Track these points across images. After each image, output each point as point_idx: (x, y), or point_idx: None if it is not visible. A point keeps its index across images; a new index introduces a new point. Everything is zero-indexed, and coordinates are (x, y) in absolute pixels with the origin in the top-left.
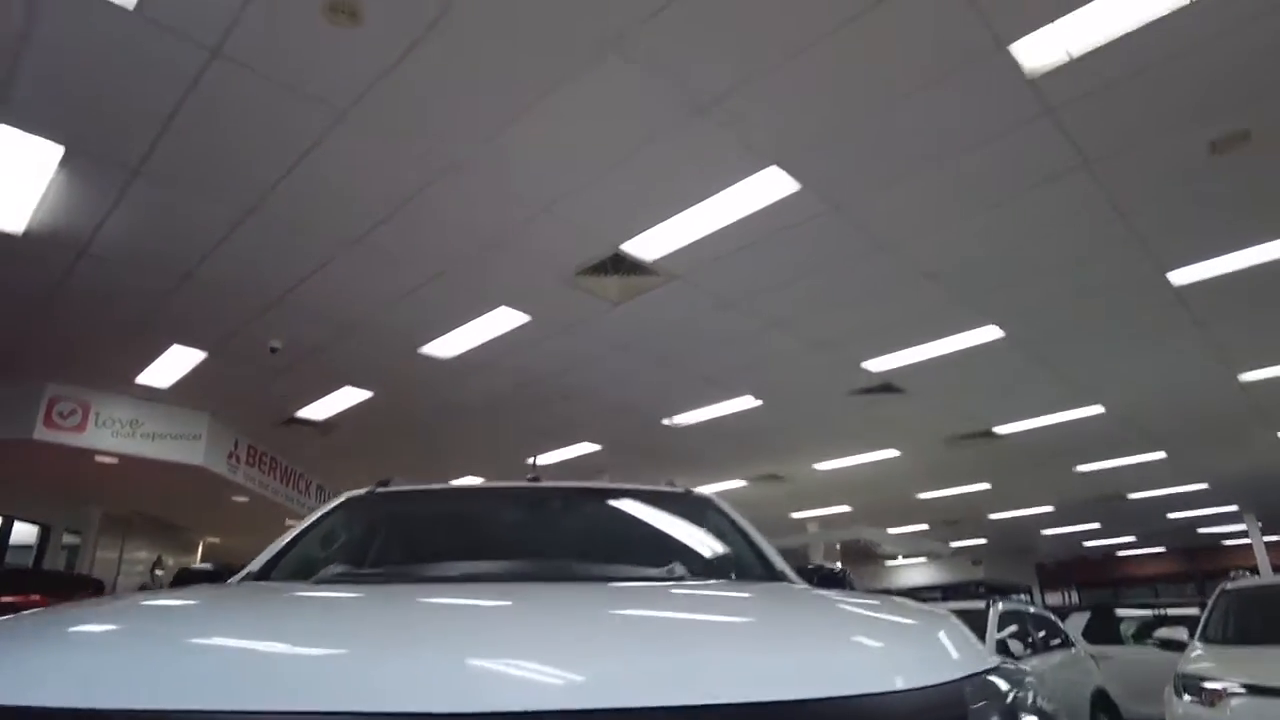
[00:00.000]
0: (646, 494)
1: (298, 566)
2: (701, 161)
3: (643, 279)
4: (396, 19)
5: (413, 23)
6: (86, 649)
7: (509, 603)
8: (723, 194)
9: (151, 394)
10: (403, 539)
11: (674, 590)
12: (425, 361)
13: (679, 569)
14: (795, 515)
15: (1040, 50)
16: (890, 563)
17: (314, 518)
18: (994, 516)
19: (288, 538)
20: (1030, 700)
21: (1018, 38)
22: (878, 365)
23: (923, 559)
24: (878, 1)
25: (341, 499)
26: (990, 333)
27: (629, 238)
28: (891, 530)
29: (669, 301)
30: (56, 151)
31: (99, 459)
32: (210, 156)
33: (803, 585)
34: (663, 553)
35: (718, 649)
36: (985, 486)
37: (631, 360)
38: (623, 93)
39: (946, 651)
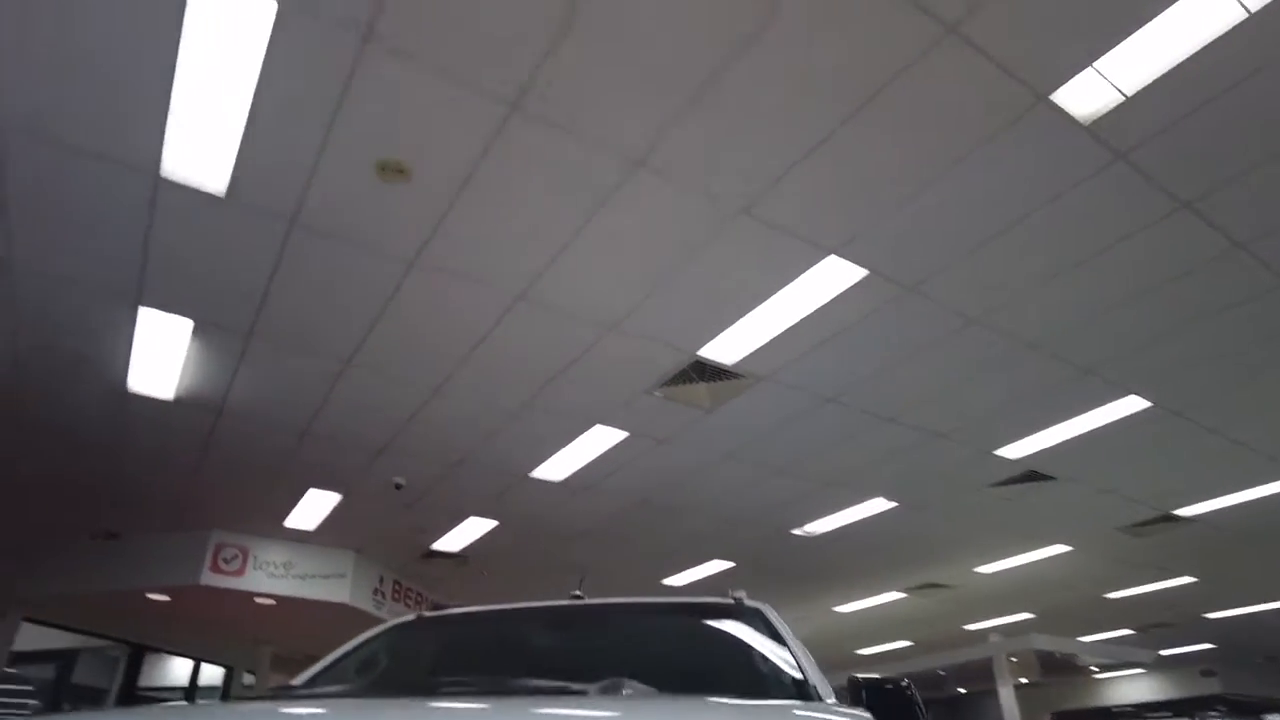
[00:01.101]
0: (687, 606)
1: (331, 681)
2: (756, 261)
3: (729, 383)
4: (440, 170)
5: (454, 172)
6: None
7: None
8: (787, 290)
9: (301, 536)
10: (431, 658)
11: (623, 708)
12: (538, 485)
13: (634, 687)
14: (970, 627)
15: (1087, 95)
16: (1099, 674)
17: (361, 640)
18: (1213, 615)
19: (332, 658)
20: None
21: (1056, 87)
22: (1013, 452)
23: (1138, 670)
24: (893, 78)
25: (389, 624)
26: (1133, 403)
27: (703, 344)
28: (1085, 638)
29: (765, 403)
30: (188, 325)
31: (258, 600)
32: (305, 317)
33: (819, 707)
34: (671, 666)
35: None
36: (1189, 580)
37: (742, 469)
38: (658, 207)
39: None
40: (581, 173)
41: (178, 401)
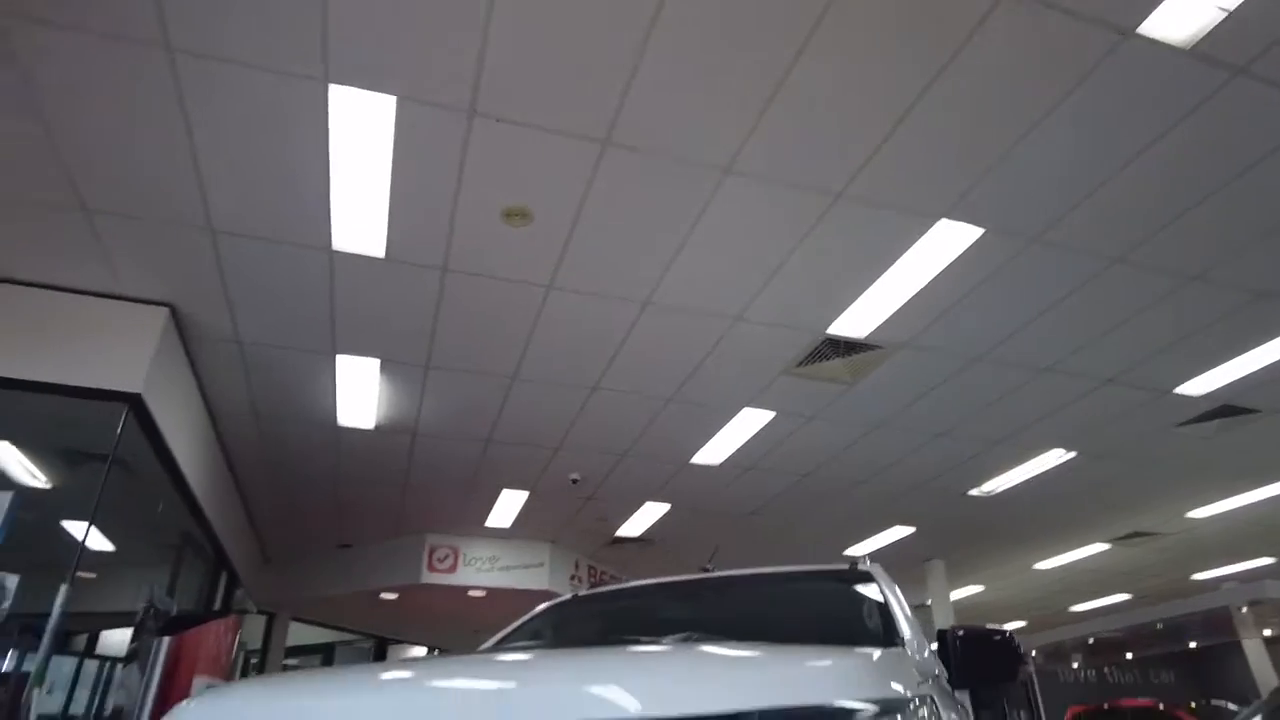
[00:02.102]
0: (799, 574)
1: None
2: (863, 238)
3: (866, 355)
4: (555, 207)
5: (568, 206)
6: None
7: (561, 660)
8: (905, 260)
9: (501, 533)
10: (576, 626)
11: (698, 649)
12: (701, 470)
13: (704, 639)
14: (1200, 576)
15: (1179, 21)
16: None
17: (527, 617)
18: None
19: (504, 632)
20: None
21: (1140, 21)
22: (1196, 388)
23: None
24: (965, 40)
25: (546, 605)
26: None
27: (829, 322)
28: None
29: (908, 370)
30: (375, 364)
31: (470, 594)
32: (469, 345)
33: (890, 650)
34: (769, 625)
35: (629, 681)
36: None
37: (900, 436)
38: (754, 206)
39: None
40: (675, 186)
41: (378, 429)
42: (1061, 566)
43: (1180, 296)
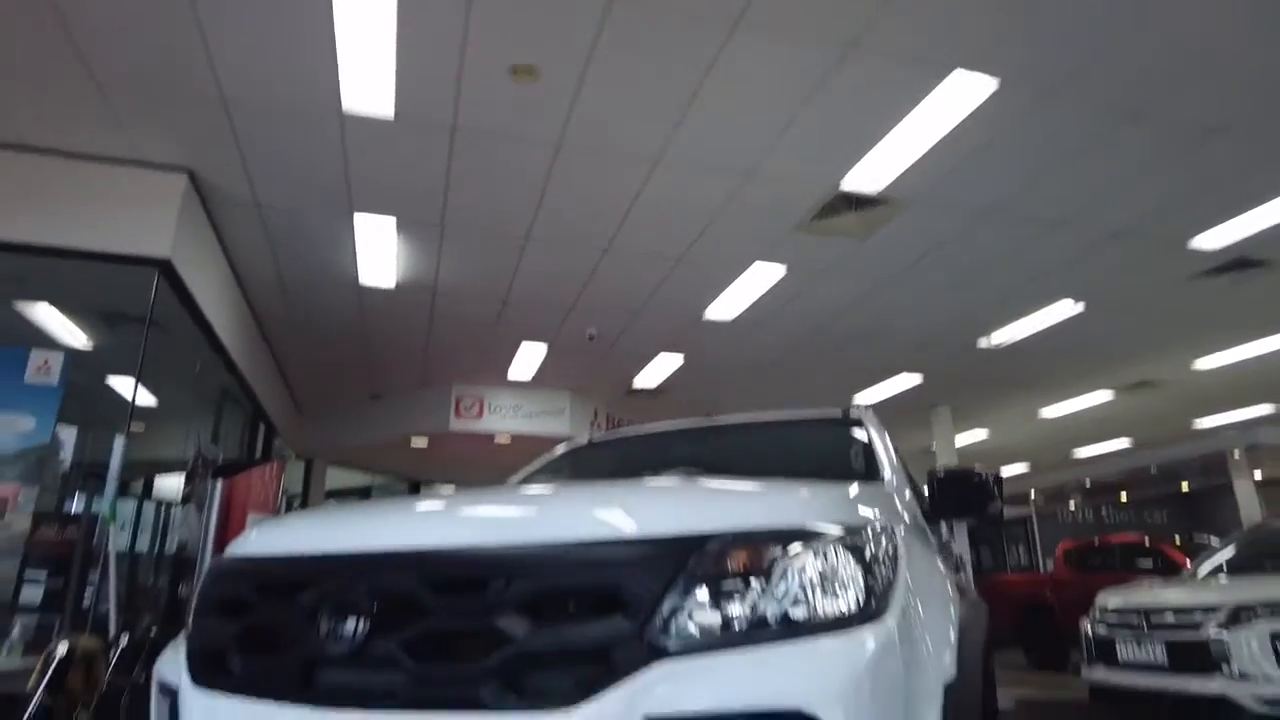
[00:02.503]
0: (793, 420)
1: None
2: (876, 90)
3: (878, 210)
4: (563, 64)
5: (575, 62)
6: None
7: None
8: (918, 111)
9: (523, 384)
10: (589, 465)
11: (686, 483)
12: (713, 326)
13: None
14: (1202, 423)
15: None
16: None
17: (545, 458)
18: None
19: (525, 472)
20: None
21: None
22: (1211, 241)
23: None
24: None
25: (562, 447)
26: None
27: (842, 176)
28: None
29: (920, 224)
30: (392, 222)
31: (496, 440)
32: (480, 205)
33: (867, 485)
34: (762, 464)
35: (623, 507)
36: None
37: (910, 290)
38: (765, 60)
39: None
40: (684, 42)
41: (399, 288)
42: (1067, 415)
43: (1198, 150)
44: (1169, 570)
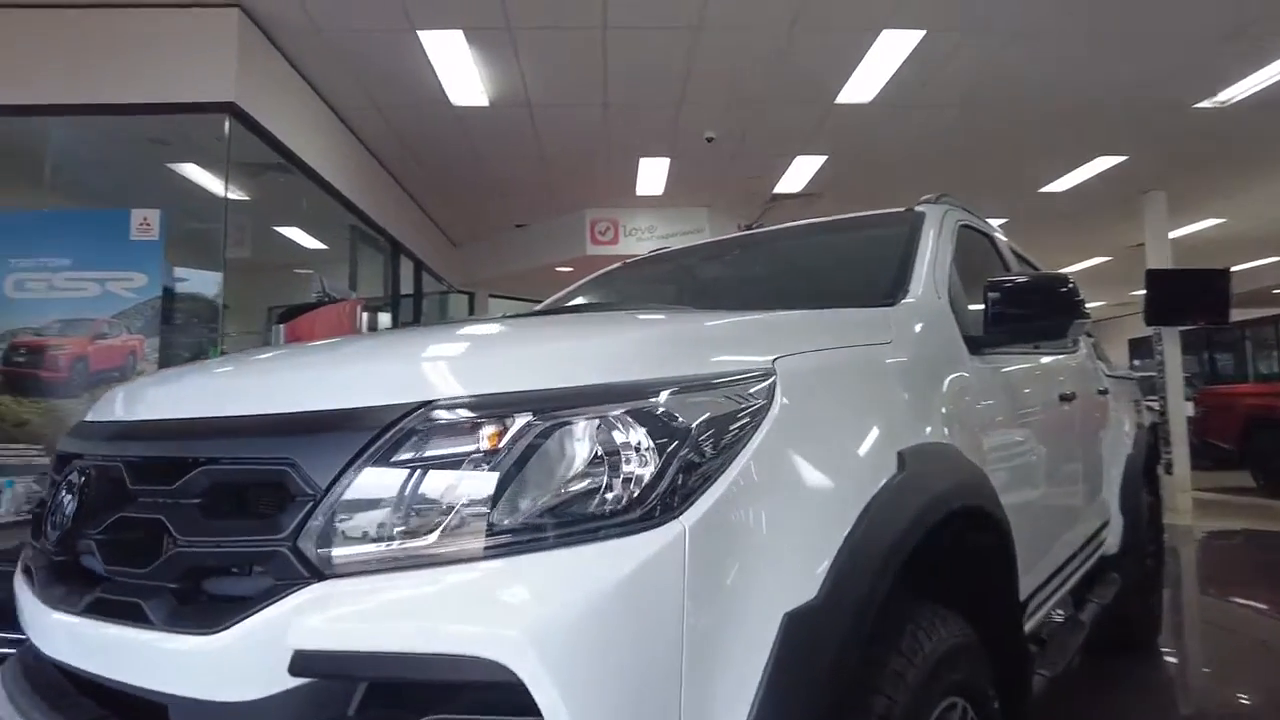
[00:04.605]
0: (832, 225)
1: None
2: None
3: None
4: None
5: None
6: None
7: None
8: None
9: (656, 201)
10: (643, 283)
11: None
12: (850, 111)
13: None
14: None
15: None
16: None
17: (602, 271)
18: None
19: (576, 285)
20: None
21: None
22: None
23: None
24: None
25: (618, 265)
26: None
27: None
28: None
29: None
30: (459, 35)
31: None
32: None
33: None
34: (787, 286)
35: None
36: None
37: (1096, 41)
38: None
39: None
40: None
41: (493, 105)
42: None
43: None
44: None
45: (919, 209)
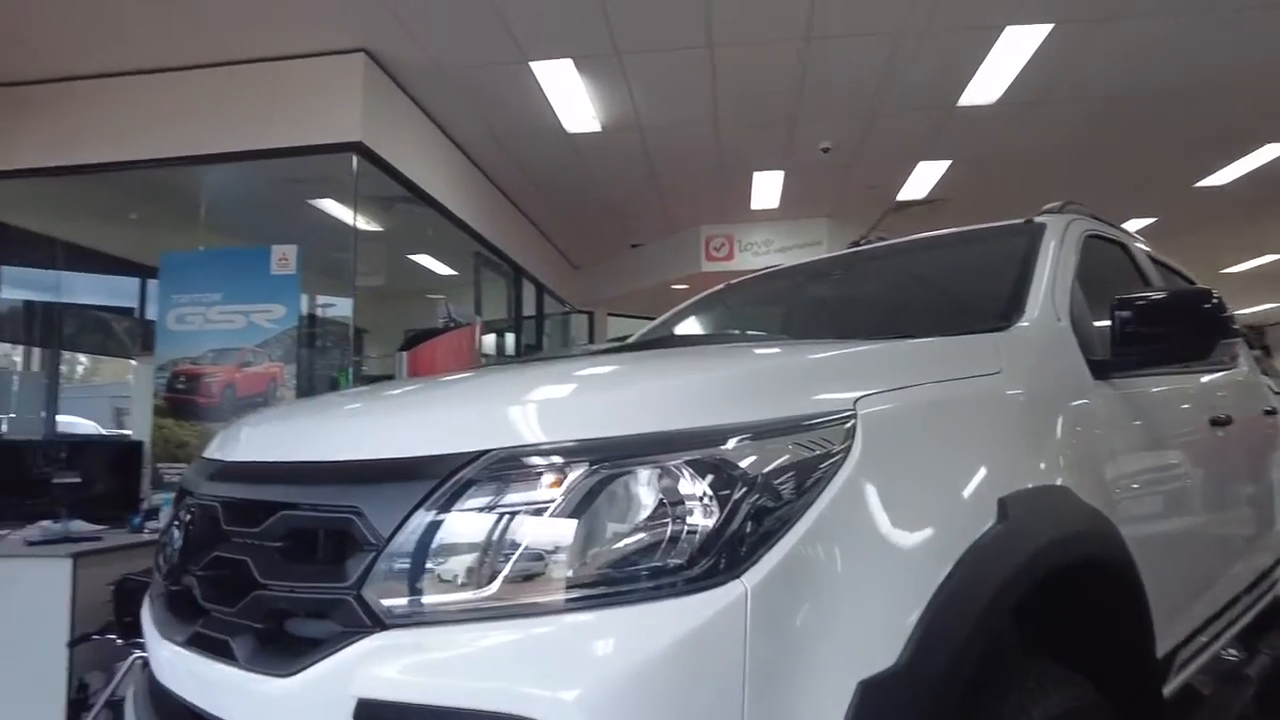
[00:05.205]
0: (943, 240)
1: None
2: None
3: None
4: None
5: None
6: None
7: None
8: None
9: (772, 214)
10: (741, 307)
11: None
12: (973, 114)
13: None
14: None
15: None
16: None
17: (696, 299)
18: None
19: (675, 310)
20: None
21: None
22: None
23: None
24: None
25: (712, 290)
26: None
27: None
28: None
29: None
30: (569, 64)
31: None
32: (646, 18)
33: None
34: (890, 310)
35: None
36: None
37: (1257, 18)
38: None
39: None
40: None
41: (605, 130)
42: None
43: None
44: None
45: (1038, 220)
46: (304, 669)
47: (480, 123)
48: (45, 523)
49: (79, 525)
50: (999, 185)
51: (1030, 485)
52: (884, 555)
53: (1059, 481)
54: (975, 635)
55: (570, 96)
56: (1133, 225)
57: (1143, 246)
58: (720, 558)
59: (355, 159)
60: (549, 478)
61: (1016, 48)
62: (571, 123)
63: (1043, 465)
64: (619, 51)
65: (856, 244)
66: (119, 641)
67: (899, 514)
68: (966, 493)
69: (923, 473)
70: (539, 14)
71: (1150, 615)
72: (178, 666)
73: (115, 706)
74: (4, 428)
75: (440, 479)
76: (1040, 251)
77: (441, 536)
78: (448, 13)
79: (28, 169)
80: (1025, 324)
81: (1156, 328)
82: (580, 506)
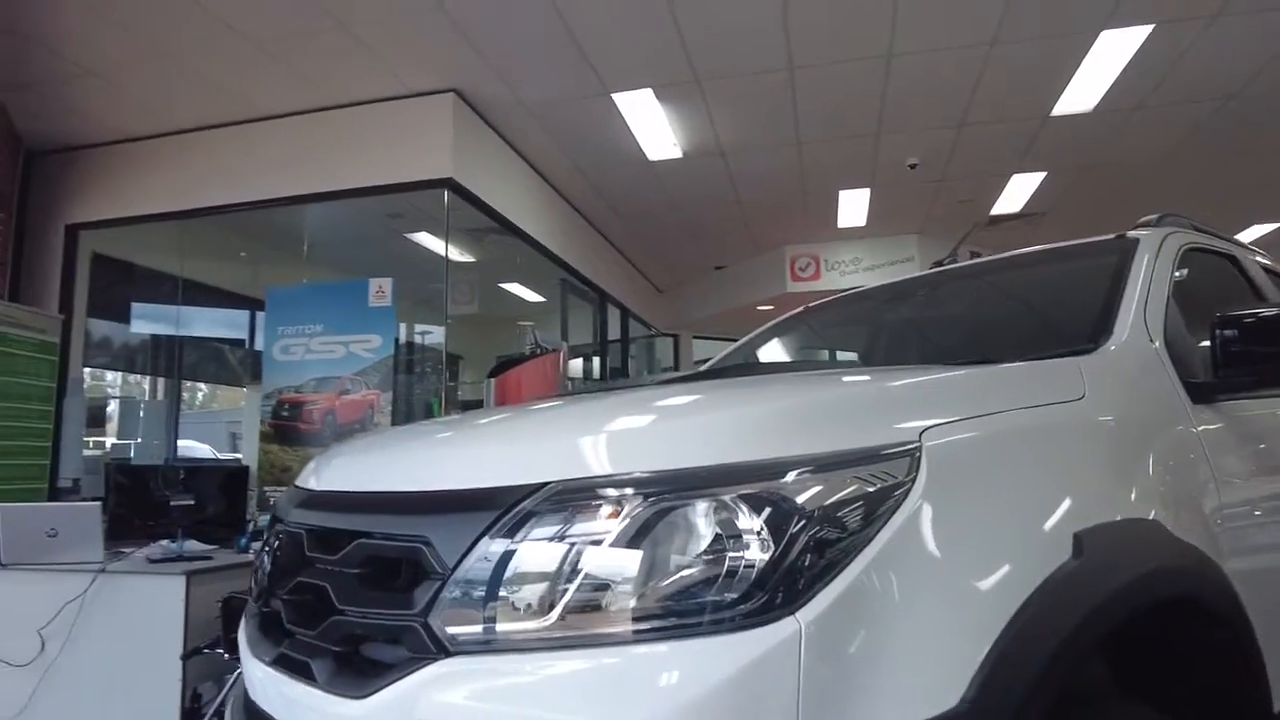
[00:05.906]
0: (1027, 259)
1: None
2: None
3: None
4: None
5: None
6: None
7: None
8: None
9: (859, 232)
10: (821, 330)
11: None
12: (1069, 122)
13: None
14: None
15: None
16: None
17: (771, 323)
18: None
19: (752, 336)
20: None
21: None
22: None
23: None
24: None
25: (789, 314)
26: None
27: None
28: None
29: None
30: (649, 94)
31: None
32: (725, 44)
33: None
34: (975, 333)
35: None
36: None
37: None
38: None
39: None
40: None
41: (687, 156)
42: None
43: None
44: None
45: (1132, 234)
46: (375, 692)
47: (565, 155)
48: (164, 542)
49: (192, 545)
50: (1100, 196)
51: (1114, 518)
52: (947, 593)
53: (1150, 515)
54: (1046, 677)
55: (652, 125)
56: (1255, 232)
57: (1261, 259)
58: (775, 593)
59: (447, 194)
60: (606, 509)
61: (1113, 52)
62: (654, 150)
63: (1130, 497)
64: (698, 78)
65: (940, 263)
66: (225, 656)
67: (965, 551)
68: (1038, 527)
69: (992, 507)
70: (619, 47)
71: (1264, 663)
72: (267, 686)
73: (222, 717)
74: (132, 452)
75: (502, 510)
76: (1132, 268)
77: (503, 567)
78: (532, 51)
79: (154, 214)
80: (1113, 346)
81: (1268, 346)
82: (636, 539)
